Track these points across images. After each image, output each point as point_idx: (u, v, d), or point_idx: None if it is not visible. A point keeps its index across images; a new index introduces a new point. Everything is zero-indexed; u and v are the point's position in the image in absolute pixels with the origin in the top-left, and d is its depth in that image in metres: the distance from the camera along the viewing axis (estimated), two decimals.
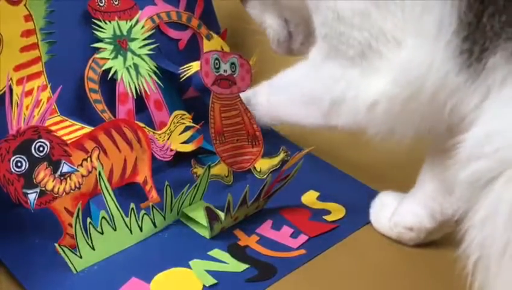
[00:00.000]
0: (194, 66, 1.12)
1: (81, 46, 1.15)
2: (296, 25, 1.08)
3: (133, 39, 1.17)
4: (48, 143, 0.96)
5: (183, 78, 1.13)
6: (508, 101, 0.74)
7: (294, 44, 1.10)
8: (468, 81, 0.78)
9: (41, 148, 0.95)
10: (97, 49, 1.15)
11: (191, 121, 1.17)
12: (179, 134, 1.16)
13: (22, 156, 0.94)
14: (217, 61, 1.11)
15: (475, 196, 0.71)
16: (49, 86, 1.08)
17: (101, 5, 1.15)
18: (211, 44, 1.23)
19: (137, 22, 1.18)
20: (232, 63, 1.12)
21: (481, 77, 0.76)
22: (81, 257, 0.97)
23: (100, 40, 1.15)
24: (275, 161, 1.19)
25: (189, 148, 1.16)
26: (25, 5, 1.06)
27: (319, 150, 1.20)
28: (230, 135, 1.14)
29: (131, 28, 1.17)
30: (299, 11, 1.02)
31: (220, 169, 1.14)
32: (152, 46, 1.19)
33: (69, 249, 0.95)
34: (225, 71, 1.12)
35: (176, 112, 1.15)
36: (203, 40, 1.25)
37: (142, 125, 1.08)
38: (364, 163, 1.12)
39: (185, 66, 1.13)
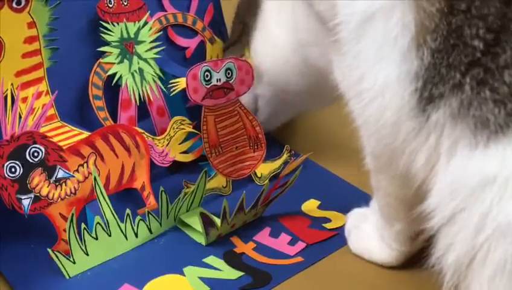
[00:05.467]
0: (182, 82, 1.07)
1: (85, 52, 1.15)
2: (266, 103, 1.12)
3: (140, 42, 1.17)
4: (42, 148, 0.96)
5: (172, 94, 1.09)
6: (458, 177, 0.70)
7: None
8: (414, 132, 0.73)
9: (36, 154, 0.96)
10: (103, 53, 1.15)
11: (192, 128, 1.16)
12: (179, 143, 1.15)
13: (16, 162, 0.95)
14: (207, 73, 1.07)
15: (462, 275, 0.72)
16: (50, 92, 1.08)
17: (110, 6, 1.16)
18: (214, 48, 1.22)
19: (145, 23, 1.18)
20: (228, 69, 1.09)
21: (423, 132, 0.72)
22: (74, 263, 0.97)
23: (107, 44, 1.15)
24: (276, 164, 1.18)
25: (189, 158, 1.16)
26: (28, 12, 1.07)
27: (319, 157, 1.19)
28: (228, 145, 1.12)
29: (139, 29, 1.17)
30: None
31: (216, 181, 1.13)
32: (158, 50, 1.19)
33: (62, 255, 0.96)
34: (218, 80, 1.08)
35: (176, 118, 1.15)
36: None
37: (140, 130, 1.08)
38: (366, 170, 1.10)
39: (173, 81, 1.09)
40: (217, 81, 1.08)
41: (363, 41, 0.75)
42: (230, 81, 1.10)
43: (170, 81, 1.10)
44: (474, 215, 0.68)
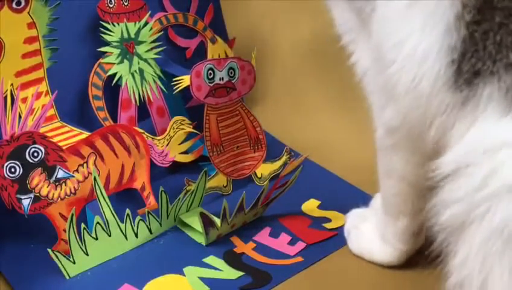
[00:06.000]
0: (186, 80, 1.09)
1: (85, 52, 1.15)
2: None
3: (141, 42, 1.17)
4: (42, 149, 0.96)
5: (176, 92, 1.11)
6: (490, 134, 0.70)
7: None
8: (455, 104, 0.73)
9: (35, 154, 0.96)
10: (103, 54, 1.15)
11: (193, 128, 1.15)
12: (179, 144, 1.15)
13: (16, 162, 0.95)
14: (210, 71, 1.08)
15: (453, 238, 0.71)
16: (50, 92, 1.08)
17: (111, 6, 1.15)
18: (215, 48, 1.21)
19: (146, 23, 1.18)
20: (231, 68, 1.10)
21: (470, 104, 0.72)
22: (74, 263, 0.97)
23: (107, 44, 1.15)
24: (276, 165, 1.18)
25: (188, 158, 1.16)
26: (28, 12, 1.07)
27: (319, 157, 1.19)
28: (229, 144, 1.13)
29: (139, 30, 1.17)
30: None
31: (217, 180, 1.13)
32: (159, 50, 1.19)
33: (62, 255, 0.96)
34: (221, 79, 1.09)
35: (176, 118, 1.15)
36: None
37: (140, 131, 1.08)
38: (366, 170, 1.10)
39: (177, 79, 1.11)
40: (220, 80, 1.09)
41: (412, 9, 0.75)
42: (233, 81, 1.10)
43: (174, 79, 1.10)
44: (480, 171, 0.68)
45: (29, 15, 1.07)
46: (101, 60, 1.15)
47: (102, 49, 1.15)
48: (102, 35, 1.14)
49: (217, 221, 1.02)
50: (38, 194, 0.97)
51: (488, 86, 0.70)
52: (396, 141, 0.86)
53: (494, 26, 0.69)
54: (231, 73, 1.10)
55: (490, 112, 0.71)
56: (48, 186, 0.97)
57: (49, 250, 0.95)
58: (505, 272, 0.67)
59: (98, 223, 0.98)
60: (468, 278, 0.70)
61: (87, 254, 0.98)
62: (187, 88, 1.10)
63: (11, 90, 1.03)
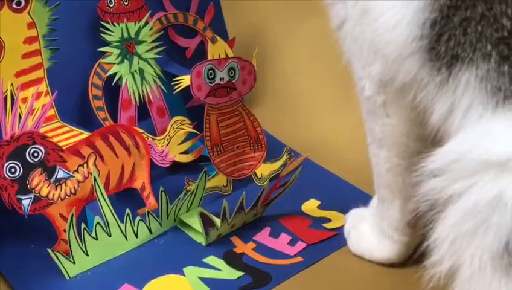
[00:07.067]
0: (186, 80, 1.09)
1: (85, 52, 1.15)
2: None
3: (141, 42, 1.17)
4: (42, 149, 0.96)
5: (176, 92, 1.11)
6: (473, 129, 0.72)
7: None
8: (434, 81, 0.75)
9: (35, 154, 0.96)
10: (103, 54, 1.15)
11: (193, 129, 1.16)
12: (179, 144, 1.15)
13: (16, 162, 0.95)
14: (211, 71, 1.08)
15: (433, 213, 0.72)
16: (50, 92, 1.08)
17: (111, 6, 1.16)
18: (215, 47, 1.22)
19: (146, 23, 1.18)
20: (231, 68, 1.10)
21: (448, 86, 0.74)
22: (74, 263, 0.97)
23: (107, 44, 1.15)
24: (276, 165, 1.18)
25: (188, 158, 1.16)
26: (28, 12, 1.07)
27: (319, 157, 1.19)
28: (229, 144, 1.13)
29: (139, 29, 1.17)
30: None
31: (217, 180, 1.13)
32: (159, 50, 1.19)
33: (62, 255, 0.96)
34: (222, 79, 1.09)
35: (176, 118, 1.15)
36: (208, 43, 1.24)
37: (140, 131, 1.08)
38: (366, 170, 1.11)
39: (177, 79, 1.11)
40: (221, 80, 1.09)
41: None
42: (233, 81, 1.11)
43: (174, 79, 1.10)
44: (459, 148, 0.70)
45: (29, 15, 1.07)
46: (101, 60, 1.15)
47: (102, 49, 1.15)
48: (102, 35, 1.15)
49: (217, 221, 1.02)
50: (38, 195, 0.97)
51: (467, 72, 0.72)
52: (389, 97, 0.87)
53: (476, 15, 0.71)
54: (232, 73, 1.10)
55: (469, 100, 0.72)
56: (48, 187, 0.97)
57: (49, 250, 0.95)
58: (476, 257, 0.68)
59: (98, 223, 0.98)
60: (443, 258, 0.71)
61: (87, 254, 0.98)
62: (187, 88, 1.10)
63: (11, 91, 1.03)
